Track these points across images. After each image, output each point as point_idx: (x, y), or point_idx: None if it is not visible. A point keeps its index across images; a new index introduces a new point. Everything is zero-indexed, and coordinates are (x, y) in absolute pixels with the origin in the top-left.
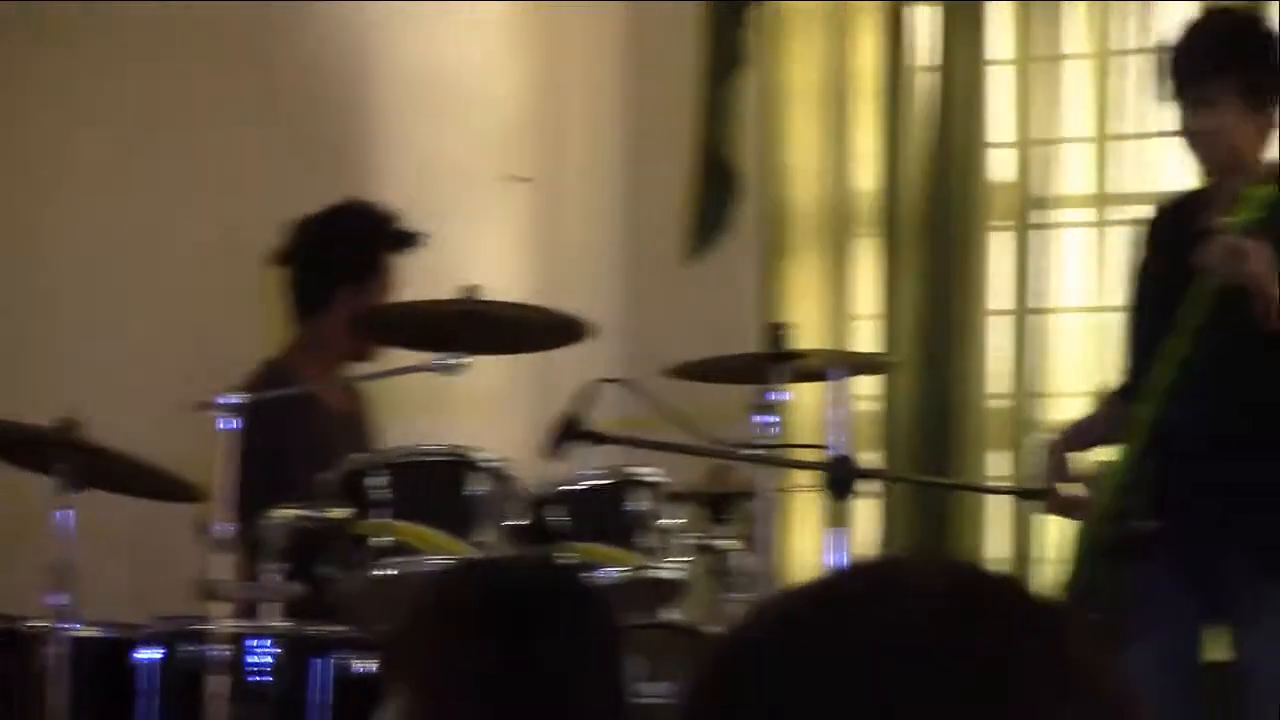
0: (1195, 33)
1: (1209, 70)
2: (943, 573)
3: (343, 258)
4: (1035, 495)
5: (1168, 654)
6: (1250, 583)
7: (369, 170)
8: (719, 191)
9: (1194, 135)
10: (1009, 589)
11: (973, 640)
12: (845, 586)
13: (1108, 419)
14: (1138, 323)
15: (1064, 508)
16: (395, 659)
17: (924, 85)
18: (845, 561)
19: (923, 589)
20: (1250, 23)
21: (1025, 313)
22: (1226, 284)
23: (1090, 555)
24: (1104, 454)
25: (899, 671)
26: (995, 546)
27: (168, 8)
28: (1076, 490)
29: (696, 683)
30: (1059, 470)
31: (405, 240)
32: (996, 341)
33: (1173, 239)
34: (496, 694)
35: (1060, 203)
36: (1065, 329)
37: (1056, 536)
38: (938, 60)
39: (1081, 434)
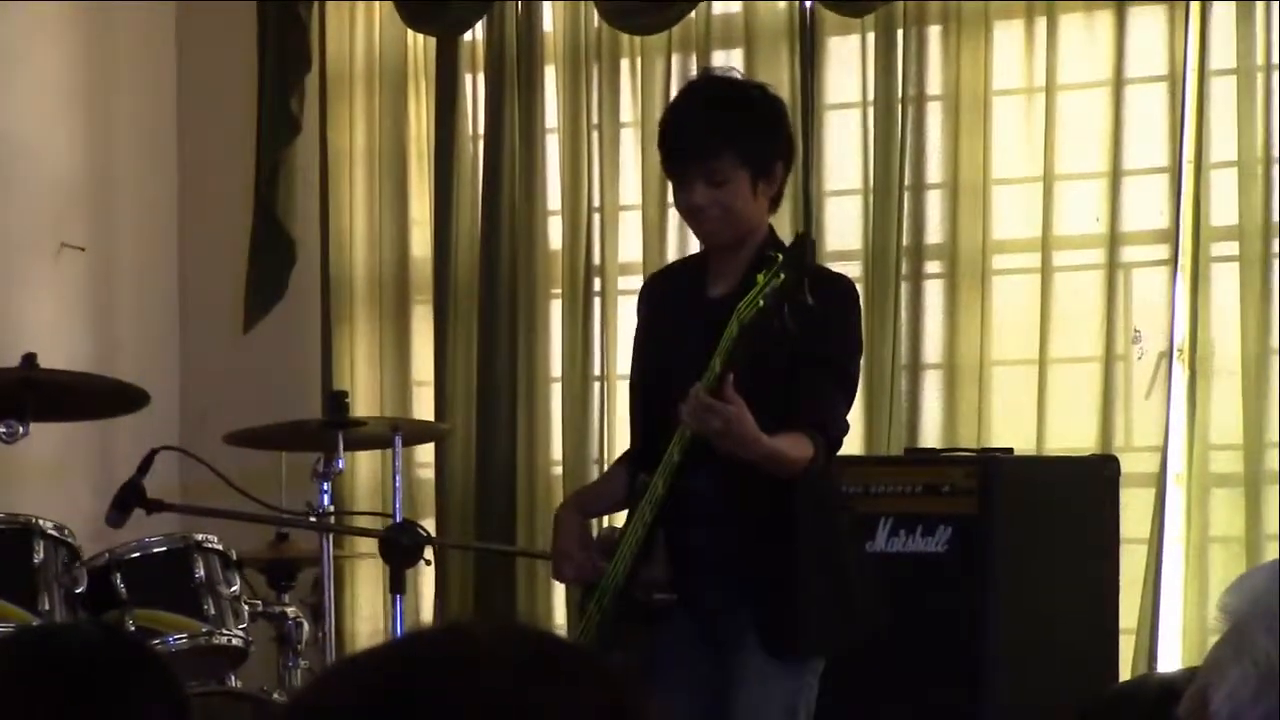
0: (688, 108)
1: (711, 143)
2: (508, 639)
3: None
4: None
5: (691, 717)
6: (752, 656)
7: None
8: (276, 257)
9: (695, 210)
10: (570, 653)
11: (540, 706)
12: (415, 654)
13: (618, 485)
14: (640, 390)
15: (575, 575)
16: None
17: (475, 153)
18: (406, 628)
19: (491, 656)
20: (750, 90)
21: (589, 379)
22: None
23: (603, 622)
24: (620, 520)
25: None
26: (559, 604)
27: None
28: (586, 558)
29: None
30: (568, 537)
31: None
32: (558, 407)
33: (664, 306)
34: None
35: (619, 270)
36: (626, 394)
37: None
38: (489, 128)
39: (593, 500)
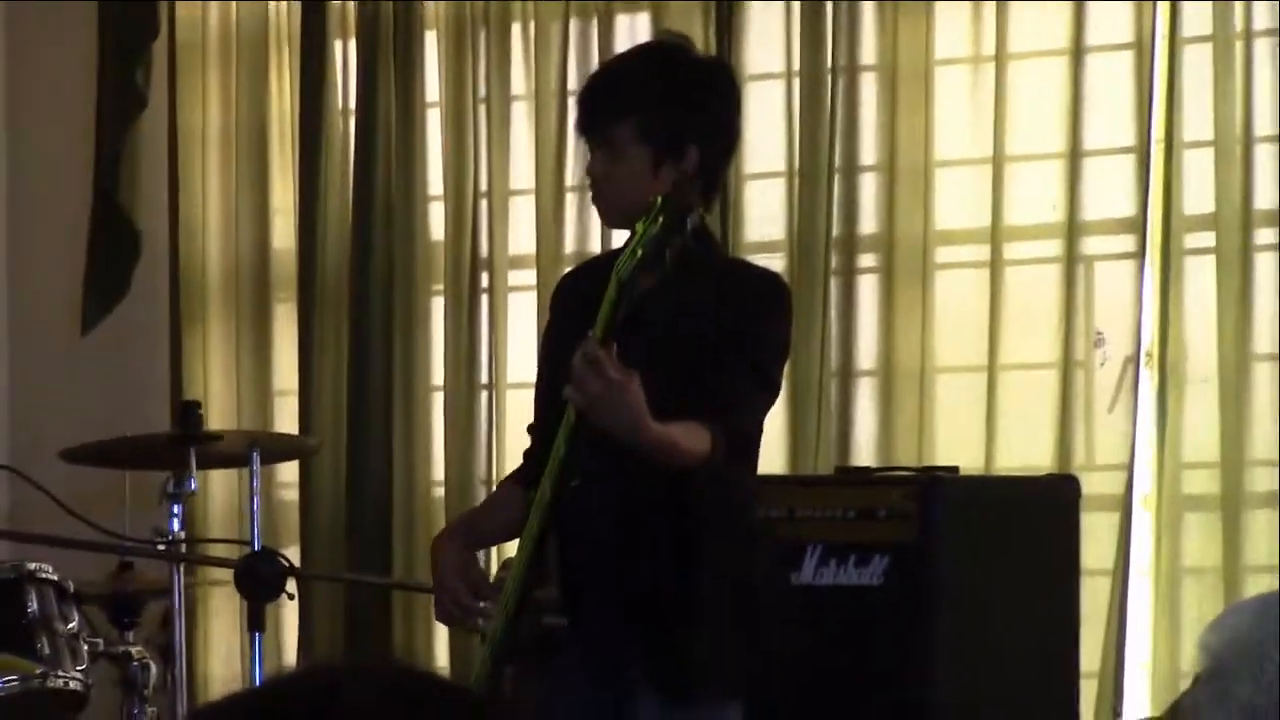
0: (601, 71)
1: (609, 111)
2: (376, 680)
3: None
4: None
5: None
6: (648, 703)
7: None
8: (119, 250)
9: (594, 183)
10: (443, 690)
11: None
12: (281, 701)
13: (506, 507)
14: (538, 403)
15: (453, 616)
16: None
17: (346, 131)
18: (266, 670)
19: (358, 699)
20: (683, 60)
21: (475, 387)
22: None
23: (493, 656)
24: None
25: None
26: (441, 641)
27: None
28: (468, 595)
29: None
30: (450, 571)
31: None
32: (440, 419)
33: (573, 303)
34: None
35: (509, 263)
36: (518, 404)
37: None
38: (361, 101)
39: (480, 526)
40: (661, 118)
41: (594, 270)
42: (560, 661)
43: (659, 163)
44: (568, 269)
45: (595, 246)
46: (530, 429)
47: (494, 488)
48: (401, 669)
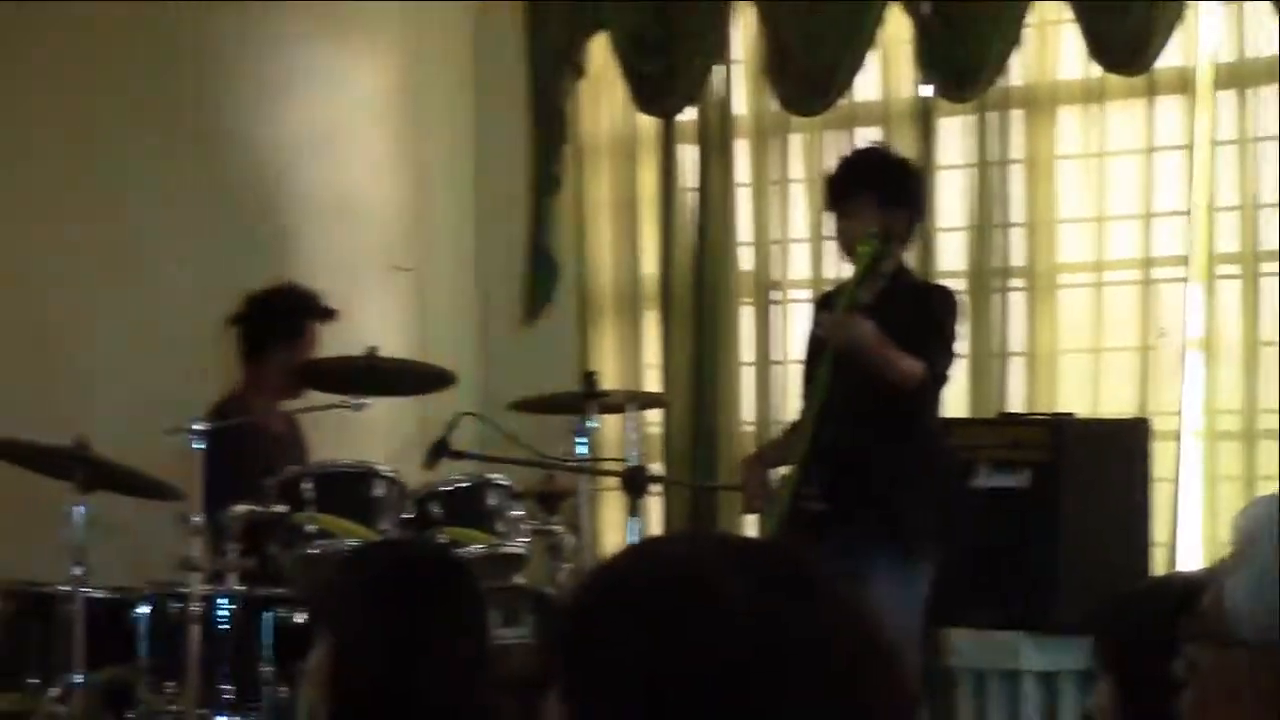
0: (845, 162)
1: (852, 188)
2: (710, 539)
3: (278, 323)
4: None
5: None
6: (875, 547)
7: (296, 260)
8: (544, 276)
9: (842, 237)
10: (754, 541)
11: (751, 594)
12: (664, 548)
13: (788, 442)
14: (806, 371)
15: (755, 508)
16: (322, 613)
17: (687, 202)
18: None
19: (700, 546)
20: (884, 153)
21: (769, 363)
22: (840, 346)
23: (777, 529)
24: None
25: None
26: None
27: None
28: (766, 495)
29: (575, 610)
30: (753, 479)
31: (324, 313)
32: (746, 384)
33: (826, 309)
34: (394, 637)
35: (789, 284)
36: (796, 375)
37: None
38: (698, 182)
39: (770, 452)
40: (888, 192)
41: (838, 289)
42: (817, 543)
43: (882, 221)
44: (825, 289)
45: (836, 275)
46: (804, 392)
47: (778, 429)
48: (726, 535)
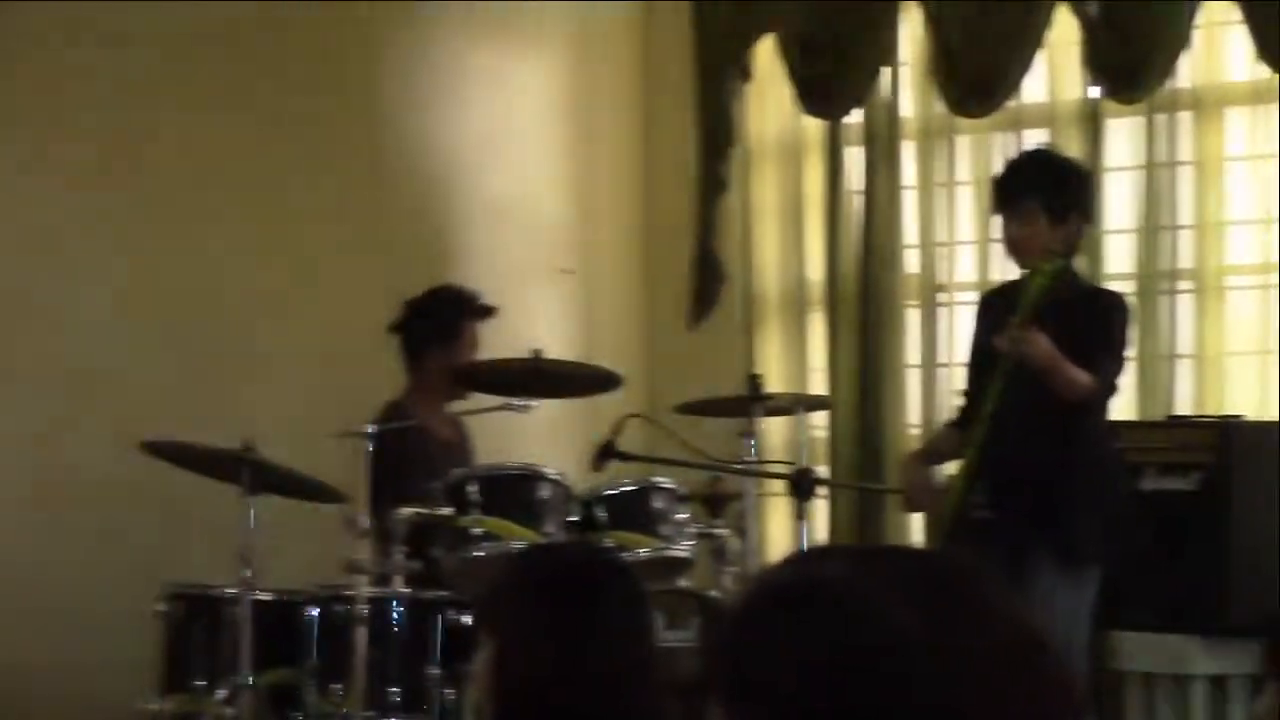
0: (1013, 164)
1: (1020, 192)
2: (882, 557)
3: (434, 325)
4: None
5: None
6: (1042, 552)
7: (463, 263)
8: (710, 279)
9: (1010, 241)
10: (917, 551)
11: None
12: (828, 560)
13: (949, 441)
14: (970, 374)
15: (918, 506)
16: (487, 615)
17: (854, 204)
18: (806, 544)
19: (876, 571)
20: (1052, 156)
21: (935, 365)
22: (1016, 361)
23: (942, 534)
24: (951, 467)
25: (866, 617)
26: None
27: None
28: (928, 494)
29: (736, 621)
30: (915, 478)
31: (481, 311)
32: (912, 386)
33: (992, 314)
34: (559, 640)
35: (955, 286)
36: (959, 376)
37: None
38: (864, 185)
39: (933, 452)
40: (1056, 196)
41: (1004, 290)
42: (983, 548)
43: (1052, 225)
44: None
45: (1002, 276)
46: (964, 393)
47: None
48: (890, 550)
